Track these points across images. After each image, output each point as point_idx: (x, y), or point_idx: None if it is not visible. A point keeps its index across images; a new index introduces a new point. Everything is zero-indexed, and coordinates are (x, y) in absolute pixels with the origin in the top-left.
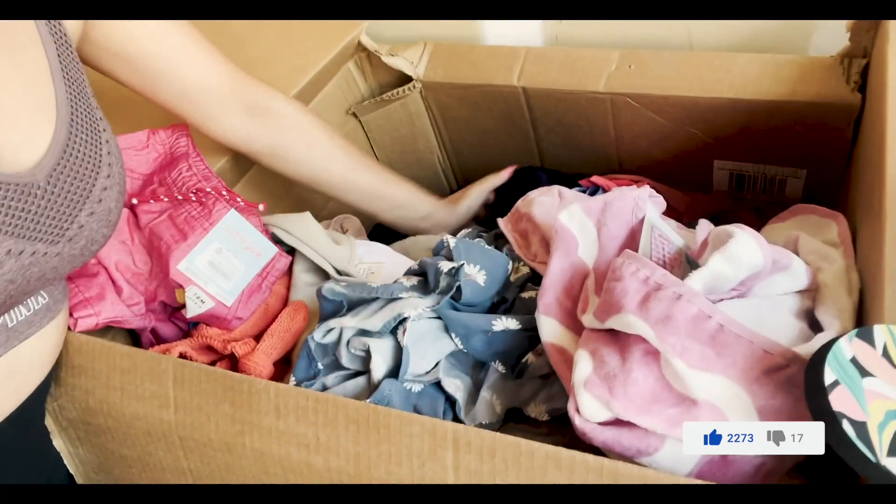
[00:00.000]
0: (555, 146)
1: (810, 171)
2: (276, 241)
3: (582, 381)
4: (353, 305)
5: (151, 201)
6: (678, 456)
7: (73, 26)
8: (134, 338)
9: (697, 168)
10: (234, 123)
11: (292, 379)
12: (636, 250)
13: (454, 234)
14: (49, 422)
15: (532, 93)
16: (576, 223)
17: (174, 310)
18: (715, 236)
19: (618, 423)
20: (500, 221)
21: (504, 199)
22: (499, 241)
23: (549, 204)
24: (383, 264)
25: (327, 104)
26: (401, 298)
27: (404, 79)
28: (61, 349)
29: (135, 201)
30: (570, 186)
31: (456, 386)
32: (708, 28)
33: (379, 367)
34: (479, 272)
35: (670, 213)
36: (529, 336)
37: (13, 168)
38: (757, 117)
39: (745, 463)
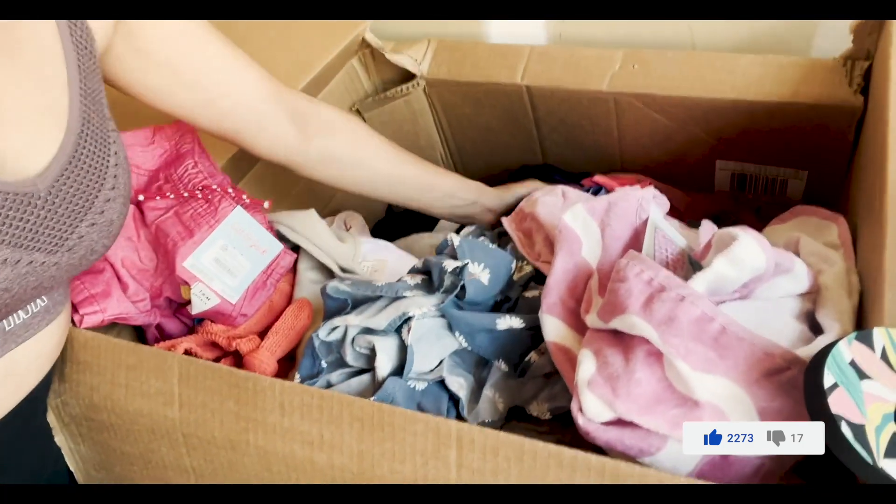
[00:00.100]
0: (557, 145)
1: (811, 172)
2: (281, 238)
3: (585, 381)
4: (358, 303)
5: (158, 198)
6: (680, 456)
7: (101, 35)
8: (139, 333)
9: (699, 168)
10: (281, 132)
11: (297, 376)
12: (639, 251)
13: (458, 230)
14: (51, 418)
15: (535, 91)
16: (579, 223)
17: (179, 306)
18: (718, 238)
19: (620, 422)
20: (505, 220)
21: None
22: (501, 239)
23: (552, 204)
24: (386, 262)
25: (331, 101)
26: (405, 297)
27: (408, 76)
28: (65, 345)
29: (141, 198)
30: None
31: (459, 384)
32: (711, 28)
33: (383, 365)
34: (482, 271)
35: (672, 212)
36: (532, 335)
37: (15, 175)
38: (759, 118)
39: (745, 463)
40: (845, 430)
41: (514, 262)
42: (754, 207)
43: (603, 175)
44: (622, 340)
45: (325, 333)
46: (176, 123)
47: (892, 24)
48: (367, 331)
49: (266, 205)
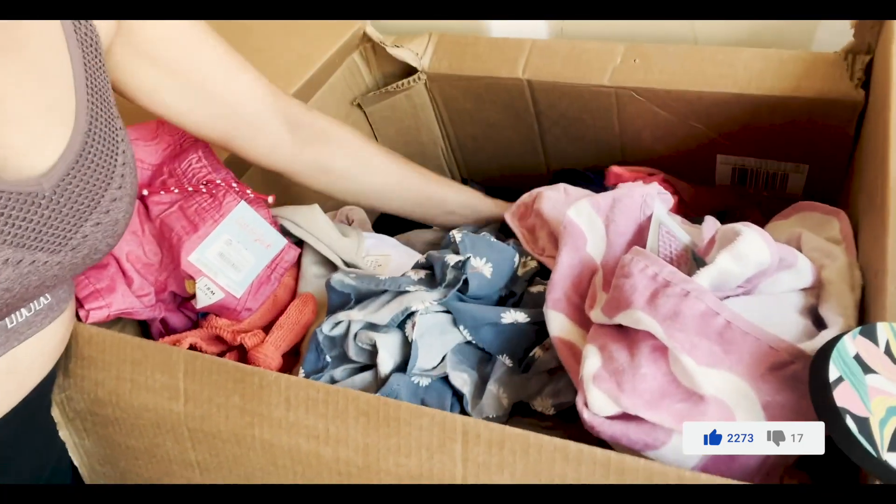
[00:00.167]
0: (559, 139)
1: (812, 166)
2: (285, 232)
3: (591, 375)
4: (362, 298)
5: (162, 192)
6: (683, 454)
7: (105, 33)
8: (143, 328)
9: (700, 162)
10: (280, 138)
11: (301, 371)
12: (644, 247)
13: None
14: (56, 413)
15: (536, 85)
16: (584, 219)
17: (184, 300)
18: (722, 234)
19: (625, 417)
20: (507, 215)
21: None
22: (499, 234)
23: (556, 199)
24: (390, 256)
25: (332, 95)
26: (408, 292)
27: (409, 70)
28: (70, 341)
29: (145, 192)
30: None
31: (463, 380)
32: (712, 22)
33: (385, 362)
34: (485, 265)
35: (679, 205)
36: (537, 330)
37: (19, 174)
38: (760, 112)
39: (749, 456)
40: (850, 423)
41: (518, 256)
42: (755, 202)
43: (619, 167)
44: (627, 335)
45: (328, 328)
46: None
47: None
48: (370, 326)
49: (270, 200)
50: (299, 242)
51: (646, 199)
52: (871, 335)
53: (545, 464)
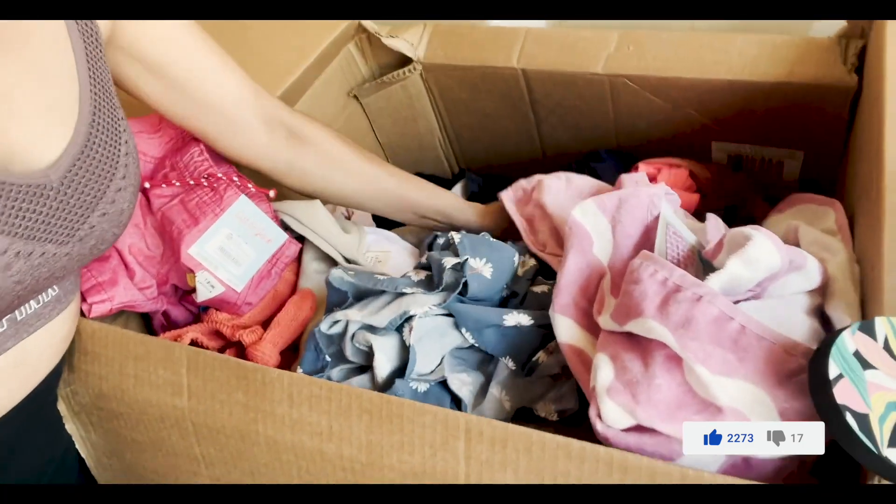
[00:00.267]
0: (554, 128)
1: (808, 152)
2: (286, 228)
3: (605, 387)
4: (360, 296)
5: (163, 185)
6: (702, 461)
7: (103, 26)
8: (146, 320)
9: (696, 149)
10: (256, 136)
11: (299, 370)
12: (651, 248)
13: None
14: (61, 406)
15: (531, 74)
16: (589, 219)
17: (185, 293)
18: (731, 238)
19: (640, 428)
20: (504, 200)
21: None
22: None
23: (557, 190)
24: (390, 253)
25: (328, 87)
26: (406, 294)
27: (405, 60)
28: (74, 336)
29: (147, 185)
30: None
31: (462, 381)
32: None
33: (382, 365)
34: (485, 265)
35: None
36: (541, 333)
37: (26, 167)
38: (754, 99)
39: (765, 466)
40: (850, 420)
41: (518, 255)
42: (758, 189)
43: (645, 163)
44: (639, 344)
45: (326, 327)
46: None
47: None
48: (368, 328)
49: (271, 194)
50: (300, 238)
51: (653, 199)
52: (869, 331)
53: (548, 461)
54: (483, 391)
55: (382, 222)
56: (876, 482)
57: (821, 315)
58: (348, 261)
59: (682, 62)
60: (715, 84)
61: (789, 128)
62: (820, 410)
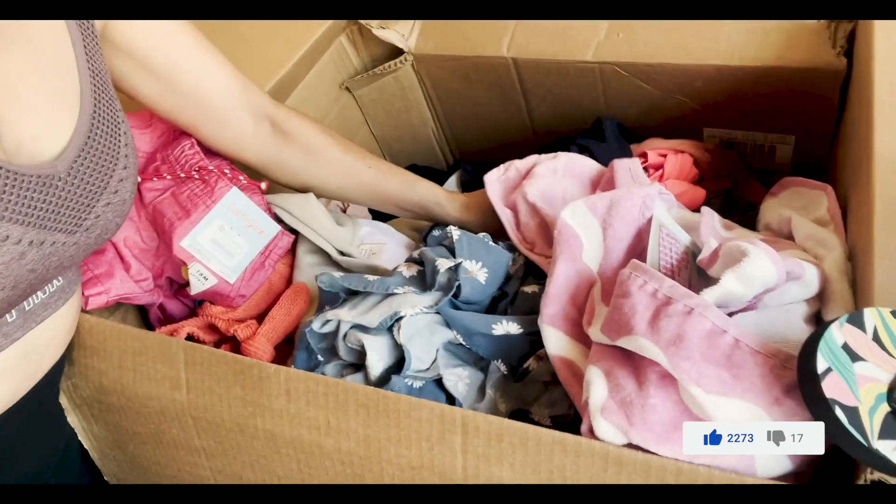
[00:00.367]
0: (546, 116)
1: (799, 137)
2: (279, 221)
3: (598, 407)
4: (351, 293)
5: (155, 179)
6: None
7: (97, 21)
8: (143, 313)
9: (687, 136)
10: (243, 129)
11: (292, 368)
12: (643, 252)
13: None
14: (63, 399)
15: (522, 63)
16: (579, 222)
17: (180, 287)
18: (727, 252)
19: (634, 445)
20: (489, 188)
21: None
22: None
23: (545, 184)
24: (384, 245)
25: (321, 79)
26: (397, 294)
27: (396, 52)
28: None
29: (139, 179)
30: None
31: (458, 376)
32: None
33: (375, 364)
34: (480, 269)
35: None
36: (531, 340)
37: (34, 158)
38: (744, 84)
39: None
40: (839, 414)
41: (511, 257)
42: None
43: (653, 149)
44: (633, 359)
45: (318, 326)
46: None
47: None
48: (359, 327)
49: (263, 186)
50: (294, 230)
51: (645, 200)
52: (858, 322)
53: (544, 456)
54: (481, 388)
55: (379, 214)
56: (868, 474)
57: (818, 320)
58: (342, 253)
59: (672, 48)
60: (704, 70)
61: (780, 112)
62: (809, 405)
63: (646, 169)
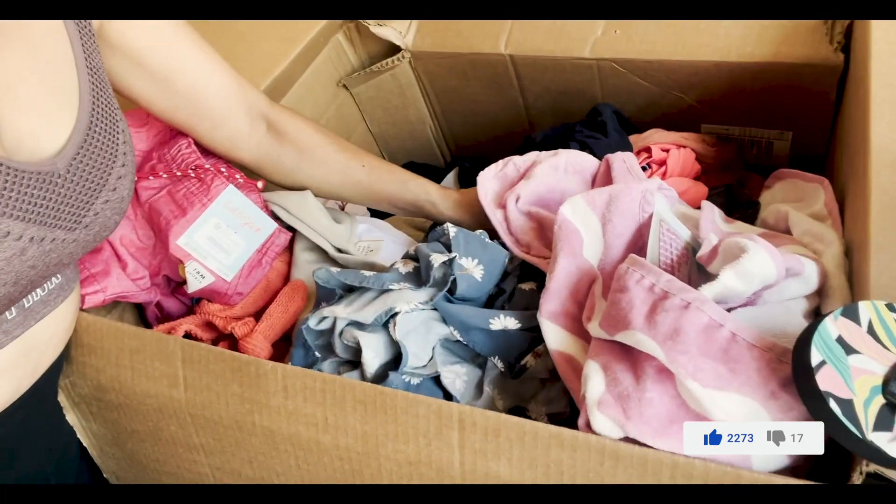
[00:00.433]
0: (544, 113)
1: (796, 132)
2: (276, 218)
3: (595, 400)
4: (348, 289)
5: (151, 178)
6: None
7: (95, 21)
8: (140, 311)
9: (685, 131)
10: (238, 129)
11: (289, 365)
12: (643, 247)
13: None
14: (62, 397)
15: (519, 60)
16: (579, 217)
17: (177, 285)
18: (726, 248)
19: (631, 438)
20: (481, 191)
21: None
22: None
23: (548, 176)
24: (382, 242)
25: (318, 76)
26: (392, 290)
27: (393, 49)
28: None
29: (136, 177)
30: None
31: (455, 373)
32: None
33: (371, 361)
34: (476, 266)
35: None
36: (529, 336)
37: (34, 155)
38: (741, 80)
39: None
40: (834, 407)
41: (507, 255)
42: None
43: (656, 143)
44: (630, 353)
45: (314, 323)
46: None
47: None
48: (355, 324)
49: (259, 184)
50: (292, 228)
51: (645, 195)
52: (853, 315)
53: (541, 450)
54: (479, 385)
55: (377, 211)
56: (864, 466)
57: (818, 315)
58: (340, 251)
59: (669, 45)
60: (701, 66)
61: (777, 108)
62: (804, 398)
63: (649, 165)
